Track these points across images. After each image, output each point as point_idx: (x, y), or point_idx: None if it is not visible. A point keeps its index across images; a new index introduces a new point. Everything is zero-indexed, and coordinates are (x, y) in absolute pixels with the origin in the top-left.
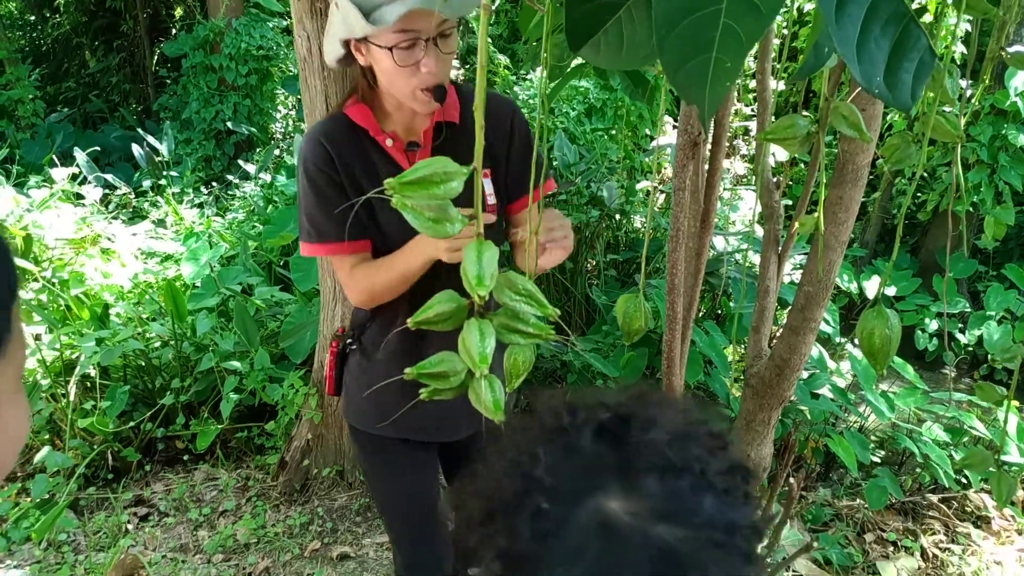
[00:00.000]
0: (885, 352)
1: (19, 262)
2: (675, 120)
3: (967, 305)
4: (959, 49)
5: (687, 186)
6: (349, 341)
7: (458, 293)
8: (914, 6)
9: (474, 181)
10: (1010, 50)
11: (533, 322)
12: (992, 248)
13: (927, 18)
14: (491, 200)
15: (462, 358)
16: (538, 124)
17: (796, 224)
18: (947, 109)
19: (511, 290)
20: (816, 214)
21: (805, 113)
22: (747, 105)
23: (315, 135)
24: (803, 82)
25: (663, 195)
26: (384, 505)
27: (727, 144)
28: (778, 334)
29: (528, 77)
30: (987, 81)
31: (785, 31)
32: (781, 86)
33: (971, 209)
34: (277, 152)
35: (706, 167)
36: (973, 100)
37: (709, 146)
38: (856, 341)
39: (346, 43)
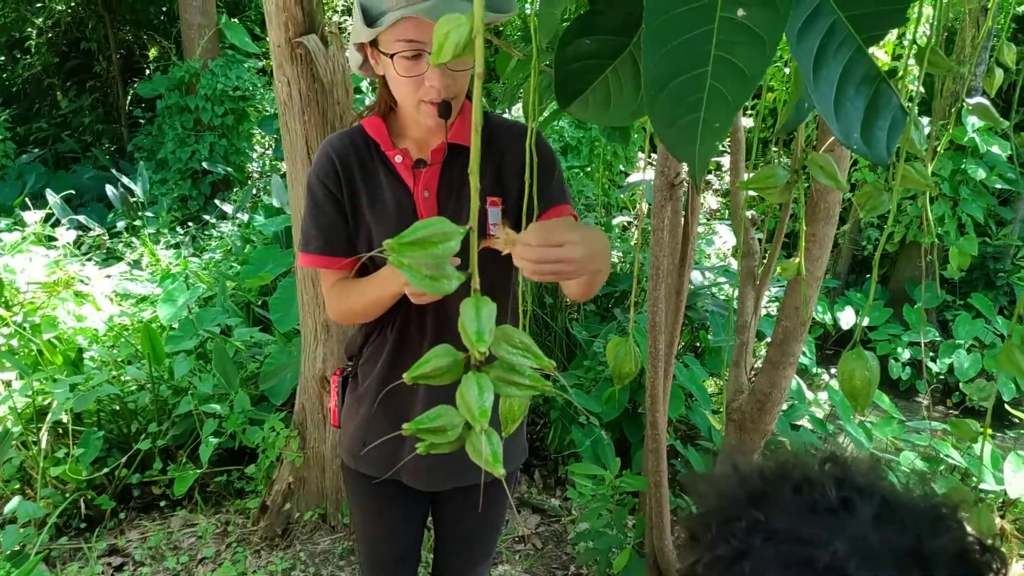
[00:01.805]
0: (866, 393)
1: None
2: (649, 158)
3: (937, 334)
4: (916, 87)
5: (666, 226)
6: (349, 369)
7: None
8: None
9: (471, 239)
10: (971, 102)
11: (530, 374)
12: (958, 278)
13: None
14: (493, 231)
15: (461, 412)
16: (527, 162)
17: (777, 267)
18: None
19: (508, 343)
20: (797, 259)
21: (775, 148)
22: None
23: (326, 146)
24: (772, 119)
25: (639, 230)
26: (359, 541)
27: None
28: (756, 365)
29: (505, 116)
30: (951, 123)
31: None
32: (750, 123)
33: (937, 240)
34: (255, 191)
35: (681, 204)
36: (942, 140)
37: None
38: (837, 382)
39: (362, 49)
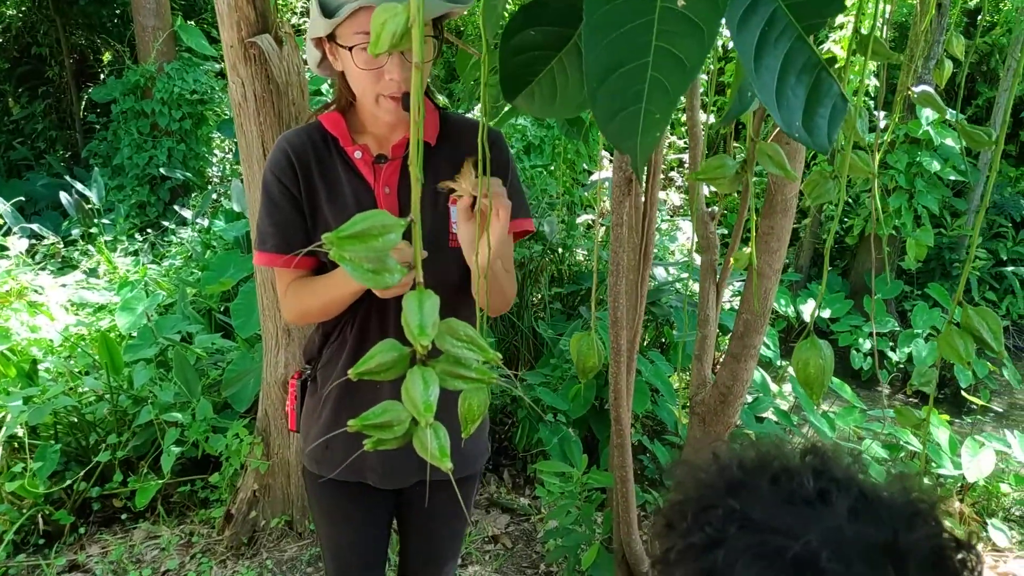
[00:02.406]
0: (820, 381)
1: None
2: (611, 155)
3: (896, 324)
4: (871, 82)
5: (625, 221)
6: (308, 372)
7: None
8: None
9: (413, 231)
10: (916, 90)
11: (476, 367)
12: (915, 269)
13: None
14: (455, 229)
15: (407, 407)
16: (479, 164)
17: (732, 257)
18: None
19: (453, 337)
20: (749, 249)
21: (736, 144)
22: (680, 138)
23: (282, 142)
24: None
25: (603, 228)
26: (325, 548)
27: (663, 176)
28: (721, 360)
29: (467, 116)
30: (899, 114)
31: (712, 66)
32: (711, 119)
33: (894, 232)
34: (215, 196)
35: (642, 200)
36: (888, 131)
37: (645, 183)
38: (792, 371)
39: (320, 45)
